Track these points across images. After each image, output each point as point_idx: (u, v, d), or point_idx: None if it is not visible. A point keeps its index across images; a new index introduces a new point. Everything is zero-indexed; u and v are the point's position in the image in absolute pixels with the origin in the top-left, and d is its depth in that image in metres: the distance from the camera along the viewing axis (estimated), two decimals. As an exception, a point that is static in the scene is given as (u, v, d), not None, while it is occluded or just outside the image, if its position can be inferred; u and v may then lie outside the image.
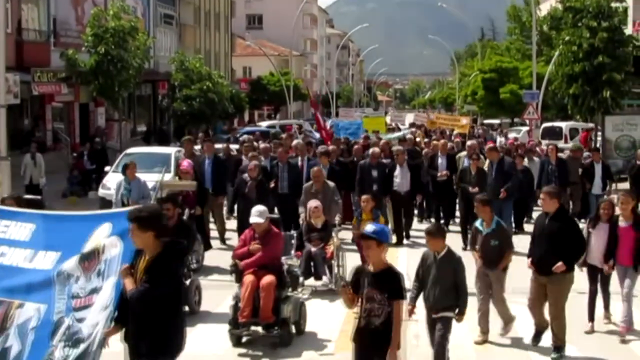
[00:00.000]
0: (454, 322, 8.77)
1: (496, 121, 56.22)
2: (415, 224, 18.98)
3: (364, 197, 13.96)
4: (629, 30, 37.97)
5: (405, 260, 14.81)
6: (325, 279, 13.02)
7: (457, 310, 8.65)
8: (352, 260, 13.40)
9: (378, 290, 6.96)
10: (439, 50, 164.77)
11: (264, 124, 49.38)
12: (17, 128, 32.55)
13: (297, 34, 75.26)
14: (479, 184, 16.45)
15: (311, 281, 13.15)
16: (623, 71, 31.90)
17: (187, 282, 11.64)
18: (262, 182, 15.87)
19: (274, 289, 10.30)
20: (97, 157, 27.69)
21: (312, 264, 13.05)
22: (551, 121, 44.67)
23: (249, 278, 10.43)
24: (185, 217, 13.29)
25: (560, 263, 9.63)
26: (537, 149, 24.07)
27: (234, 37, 74.59)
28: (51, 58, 35.36)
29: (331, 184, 15.04)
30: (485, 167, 17.80)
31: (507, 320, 10.58)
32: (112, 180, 19.33)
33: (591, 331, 10.97)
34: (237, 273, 10.73)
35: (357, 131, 29.75)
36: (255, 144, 22.81)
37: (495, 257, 10.28)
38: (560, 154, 20.41)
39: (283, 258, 10.90)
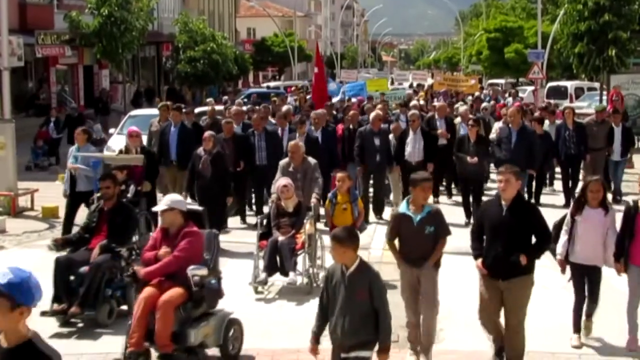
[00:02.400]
0: None
1: (501, 81, 56.01)
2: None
3: (339, 175, 11.29)
4: (635, -12, 37.61)
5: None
6: (292, 275, 10.67)
7: (377, 347, 6.29)
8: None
9: None
10: (444, 10, 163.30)
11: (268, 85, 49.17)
12: (21, 91, 32.58)
13: (300, -5, 74.71)
14: (478, 154, 14.90)
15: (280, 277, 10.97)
16: (629, 29, 31.63)
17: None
18: (219, 156, 13.35)
19: (174, 307, 7.83)
20: (72, 125, 22.70)
21: (277, 256, 10.80)
22: (556, 80, 44.47)
23: (146, 292, 7.95)
24: (129, 195, 12.13)
25: (522, 256, 7.69)
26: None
27: (237, -2, 74.20)
28: (55, 20, 35.28)
29: (312, 160, 12.74)
30: (492, 132, 17.06)
31: (428, 344, 8.19)
32: (116, 143, 18.87)
33: (580, 345, 8.71)
34: (138, 284, 8.24)
35: (361, 92, 29.62)
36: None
37: (432, 248, 8.09)
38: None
39: (190, 268, 8.04)
